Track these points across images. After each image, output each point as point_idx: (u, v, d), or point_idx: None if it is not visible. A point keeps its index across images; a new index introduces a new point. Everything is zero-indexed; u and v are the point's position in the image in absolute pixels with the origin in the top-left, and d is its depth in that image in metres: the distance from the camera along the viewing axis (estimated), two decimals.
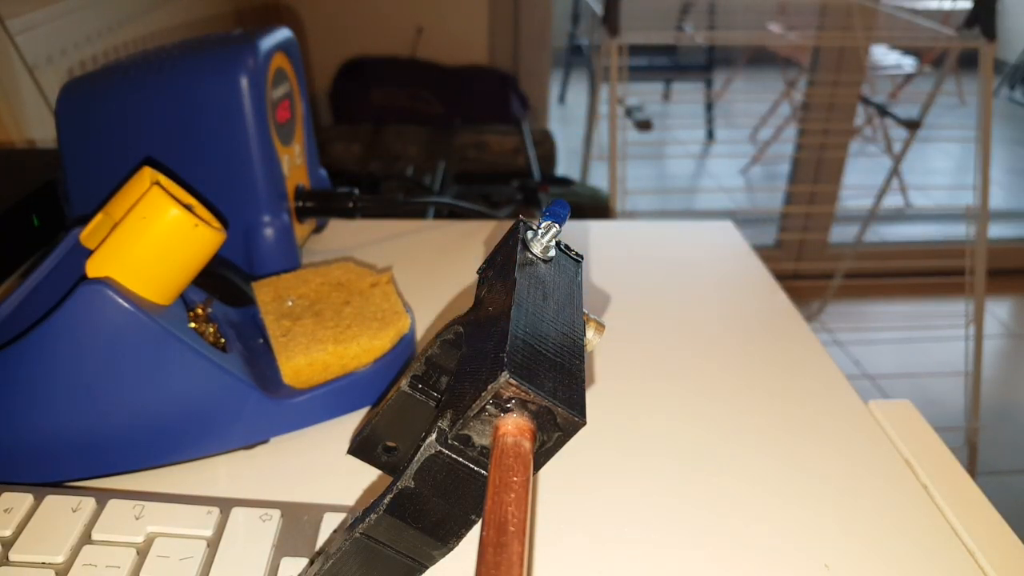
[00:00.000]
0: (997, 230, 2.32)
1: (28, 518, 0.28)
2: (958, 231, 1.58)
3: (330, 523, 0.29)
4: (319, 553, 0.24)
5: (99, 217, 0.32)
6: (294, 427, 0.35)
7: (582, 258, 0.28)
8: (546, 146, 1.65)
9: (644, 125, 1.64)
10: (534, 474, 0.21)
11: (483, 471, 0.21)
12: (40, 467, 0.31)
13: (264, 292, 0.38)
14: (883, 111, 2.28)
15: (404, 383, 0.28)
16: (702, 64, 2.93)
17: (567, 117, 3.30)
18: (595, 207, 1.37)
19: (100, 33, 0.88)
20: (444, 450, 0.21)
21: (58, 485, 0.31)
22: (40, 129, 0.69)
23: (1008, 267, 2.20)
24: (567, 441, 0.22)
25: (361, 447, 0.30)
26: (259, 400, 0.33)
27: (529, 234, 0.26)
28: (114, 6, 0.93)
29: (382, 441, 0.30)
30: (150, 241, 0.30)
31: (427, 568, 0.24)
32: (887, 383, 1.82)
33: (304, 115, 0.49)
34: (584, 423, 0.21)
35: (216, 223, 0.32)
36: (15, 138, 0.67)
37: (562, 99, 3.44)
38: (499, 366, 0.20)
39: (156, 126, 0.42)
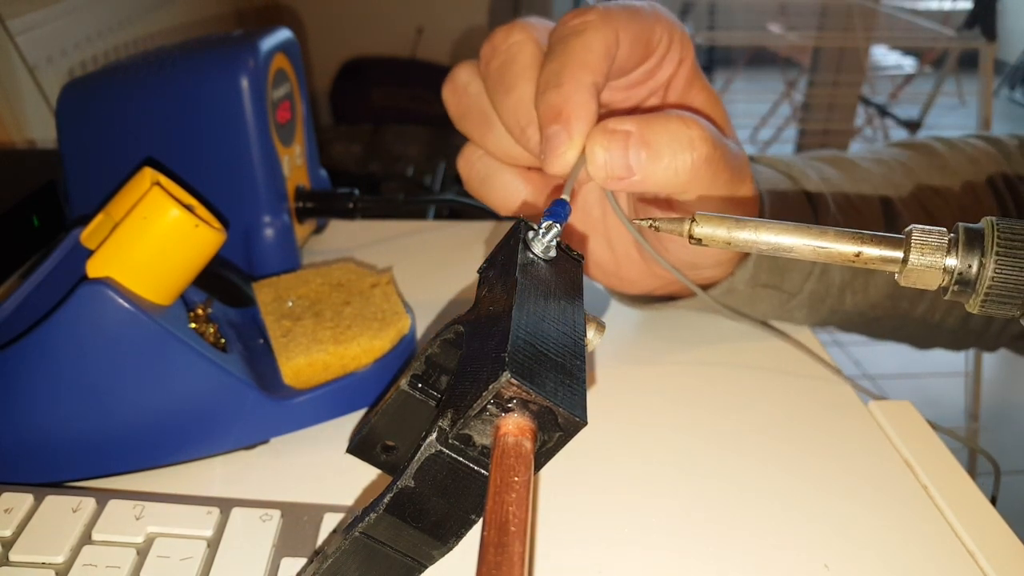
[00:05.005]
0: None
1: (28, 518, 0.28)
2: None
3: (330, 523, 0.29)
4: (318, 553, 0.24)
5: (99, 217, 0.32)
6: (294, 427, 0.35)
7: (583, 258, 0.28)
8: None
9: None
10: (535, 474, 0.21)
11: (484, 471, 0.21)
12: (40, 467, 0.31)
13: (264, 292, 0.38)
14: (883, 111, 2.28)
15: (404, 382, 0.28)
16: (702, 64, 2.92)
17: None
18: None
19: (100, 33, 0.88)
20: (444, 449, 0.21)
21: (58, 485, 0.31)
22: (40, 129, 0.69)
23: None
24: (568, 441, 0.22)
25: (360, 446, 0.30)
26: (259, 400, 0.33)
27: (530, 234, 0.26)
28: (114, 6, 0.93)
29: (381, 440, 0.30)
30: (151, 241, 0.30)
31: (427, 568, 0.24)
32: (887, 383, 1.82)
33: (304, 115, 0.49)
34: (585, 423, 0.21)
35: (216, 223, 0.32)
36: (15, 138, 0.67)
37: None
38: (500, 366, 0.20)
39: (156, 126, 0.42)
